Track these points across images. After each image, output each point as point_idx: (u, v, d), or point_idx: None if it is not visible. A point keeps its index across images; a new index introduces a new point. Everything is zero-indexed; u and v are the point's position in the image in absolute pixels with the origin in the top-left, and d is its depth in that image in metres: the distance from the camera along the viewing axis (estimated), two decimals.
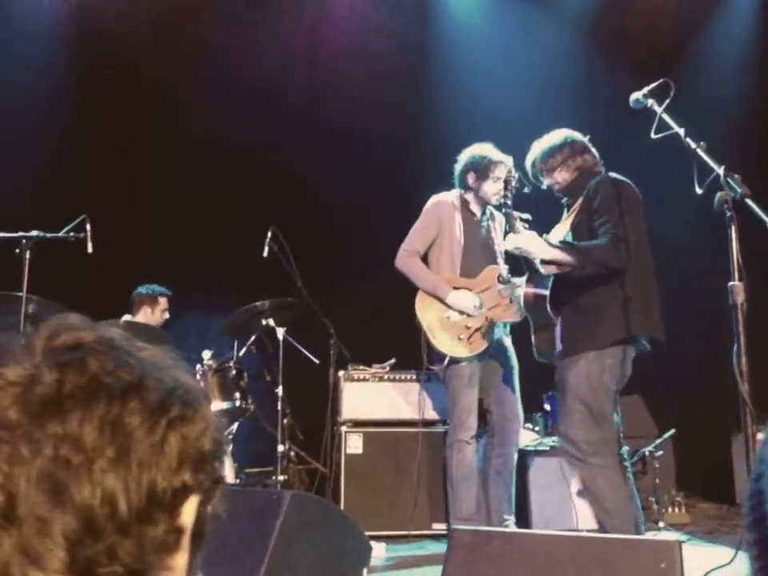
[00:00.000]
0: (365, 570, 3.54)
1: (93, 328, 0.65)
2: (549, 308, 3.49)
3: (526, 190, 3.70)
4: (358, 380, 4.97)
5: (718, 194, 2.33)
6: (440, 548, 4.34)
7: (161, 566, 0.64)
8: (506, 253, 3.86)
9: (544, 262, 3.43)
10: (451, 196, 4.41)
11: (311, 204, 6.01)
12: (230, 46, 6.13)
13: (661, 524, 4.79)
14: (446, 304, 4.21)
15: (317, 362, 5.02)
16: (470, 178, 4.30)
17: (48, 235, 4.06)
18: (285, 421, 4.84)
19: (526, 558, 1.90)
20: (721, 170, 2.36)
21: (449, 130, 5.65)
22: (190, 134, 5.89)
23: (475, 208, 4.40)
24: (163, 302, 5.33)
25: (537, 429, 5.14)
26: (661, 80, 2.80)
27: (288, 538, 3.06)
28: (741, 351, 2.23)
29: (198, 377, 4.77)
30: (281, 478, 4.64)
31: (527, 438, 4.90)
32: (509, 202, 3.57)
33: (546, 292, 3.51)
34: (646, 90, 2.84)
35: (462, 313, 4.19)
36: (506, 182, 3.65)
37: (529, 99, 5.87)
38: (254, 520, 2.86)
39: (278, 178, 5.99)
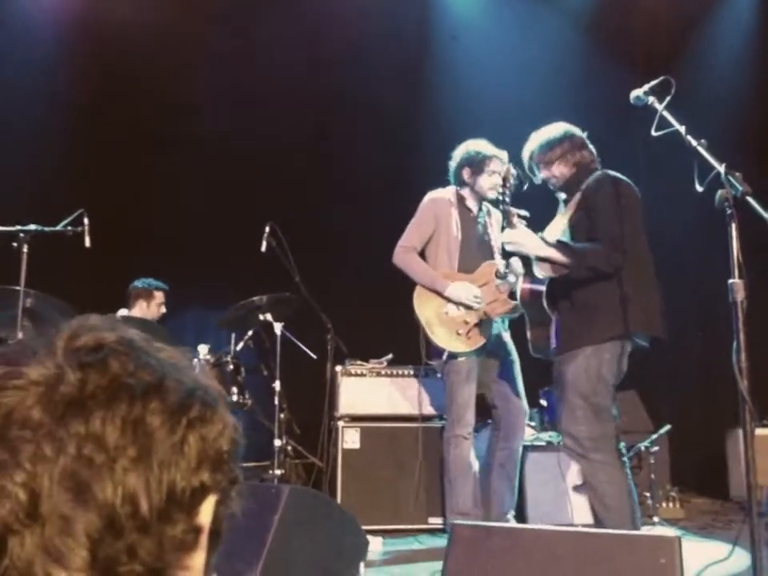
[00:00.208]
0: (362, 564, 3.56)
1: (113, 329, 0.66)
2: (545, 304, 3.50)
3: (524, 187, 3.70)
4: (356, 375, 4.98)
5: (719, 192, 2.33)
6: (436, 542, 4.37)
7: (179, 564, 0.64)
8: (503, 248, 3.87)
9: (539, 258, 3.44)
10: (447, 192, 4.42)
11: (310, 199, 6.01)
12: (229, 45, 6.12)
13: (655, 519, 4.81)
14: (445, 298, 4.22)
15: (314, 356, 5.02)
16: (465, 174, 4.32)
17: (46, 229, 4.06)
18: (282, 415, 4.84)
19: (526, 554, 1.91)
20: (722, 168, 2.37)
21: (447, 127, 5.65)
22: (189, 130, 5.88)
23: (471, 204, 4.41)
24: (159, 296, 5.33)
25: (533, 424, 5.15)
26: (662, 77, 2.80)
27: (286, 533, 3.07)
28: (740, 348, 2.24)
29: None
30: (278, 472, 4.65)
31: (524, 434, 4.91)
32: (507, 199, 3.58)
33: (543, 288, 3.53)
34: (646, 87, 2.83)
35: (460, 307, 4.20)
36: (504, 179, 3.65)
37: (528, 96, 5.88)
38: (252, 514, 2.86)
39: (277, 173, 5.99)
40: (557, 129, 3.63)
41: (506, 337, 4.37)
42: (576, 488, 4.64)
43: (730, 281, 2.32)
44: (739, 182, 2.30)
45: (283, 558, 3.02)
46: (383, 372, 5.00)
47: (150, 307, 5.28)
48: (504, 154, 4.03)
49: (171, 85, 5.99)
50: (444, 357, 4.20)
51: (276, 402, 4.76)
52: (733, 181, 2.32)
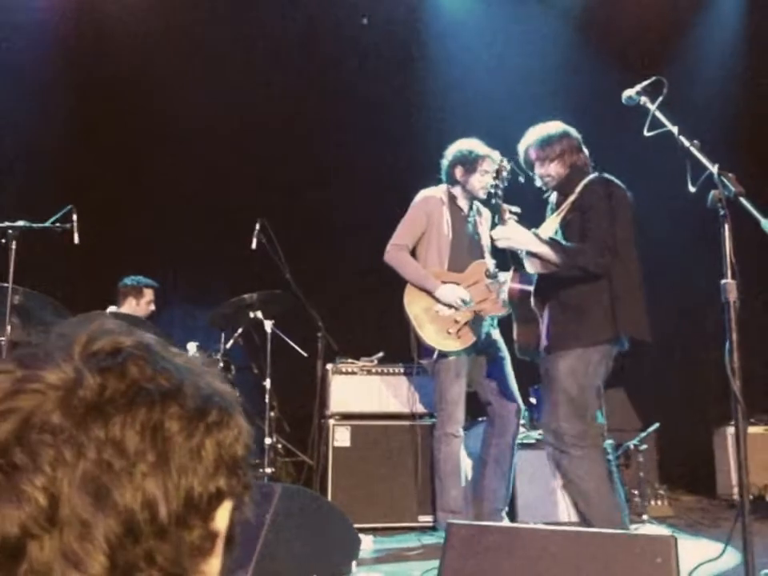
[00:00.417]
0: (354, 563, 3.57)
1: (130, 333, 0.65)
2: (533, 302, 3.51)
3: (520, 178, 3.68)
4: (346, 373, 4.98)
5: (712, 193, 2.34)
6: (427, 540, 4.38)
7: (195, 570, 0.64)
8: (493, 247, 3.87)
9: (530, 254, 3.44)
10: (439, 191, 4.42)
11: (301, 197, 5.99)
12: (220, 39, 6.08)
13: (644, 517, 4.84)
14: (434, 297, 4.23)
15: (305, 354, 5.01)
16: (458, 172, 4.33)
17: (35, 225, 4.03)
18: (272, 413, 4.84)
19: (522, 553, 1.91)
20: (714, 169, 2.38)
21: (438, 125, 5.66)
22: (179, 127, 5.85)
23: (462, 203, 4.42)
24: (149, 293, 5.31)
25: (523, 422, 5.16)
26: (654, 77, 2.81)
27: (278, 531, 3.07)
28: (733, 349, 2.26)
29: None
30: (268, 470, 4.64)
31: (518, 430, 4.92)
32: (500, 193, 3.57)
33: (531, 288, 3.54)
34: (639, 87, 2.85)
35: (450, 306, 4.21)
36: (498, 172, 3.63)
37: (518, 93, 5.88)
38: None
39: (268, 170, 5.97)
40: (556, 127, 3.62)
41: (496, 334, 4.38)
42: (565, 485, 4.66)
43: (723, 281, 2.33)
44: (733, 183, 2.31)
45: (275, 556, 3.02)
46: (374, 370, 5.00)
47: (140, 304, 5.25)
48: (497, 154, 4.03)
49: (161, 80, 5.94)
50: (434, 356, 4.21)
51: (266, 399, 4.75)
52: (726, 182, 2.33)
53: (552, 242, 3.40)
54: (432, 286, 4.23)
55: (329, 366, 4.96)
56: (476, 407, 4.47)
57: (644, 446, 5.10)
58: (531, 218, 3.62)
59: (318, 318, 4.85)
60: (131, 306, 5.21)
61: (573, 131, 3.62)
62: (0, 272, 3.93)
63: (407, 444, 4.80)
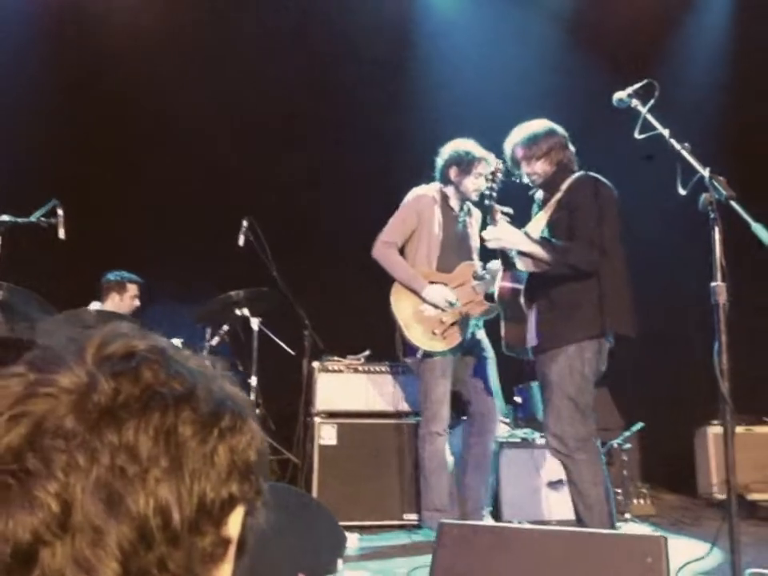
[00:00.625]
0: (340, 560, 3.56)
1: (143, 337, 0.65)
2: (522, 300, 3.52)
3: (514, 178, 3.69)
4: (332, 371, 4.97)
5: (703, 196, 2.36)
6: (412, 538, 4.39)
7: None
8: (482, 249, 3.88)
9: (521, 253, 3.46)
10: (431, 190, 4.41)
11: (289, 194, 5.97)
12: (210, 35, 6.04)
13: (627, 515, 4.88)
14: (421, 297, 4.22)
15: (292, 352, 5.00)
16: (453, 173, 4.31)
17: (19, 220, 3.97)
18: (258, 411, 4.81)
19: (514, 553, 1.92)
20: (706, 172, 2.39)
21: (430, 124, 5.65)
22: (167, 123, 5.80)
23: (454, 203, 4.41)
24: (132, 288, 5.26)
25: (508, 421, 5.18)
26: (645, 80, 2.82)
27: (264, 529, 3.06)
28: (722, 350, 2.27)
29: None
30: None
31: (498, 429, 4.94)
32: (494, 194, 3.57)
33: (521, 286, 3.55)
34: (630, 89, 2.85)
35: (436, 307, 4.21)
36: (493, 174, 3.63)
37: (510, 92, 5.88)
38: None
39: (255, 168, 5.94)
40: (541, 125, 3.63)
41: (481, 334, 4.39)
42: (551, 484, 4.69)
43: (713, 284, 2.35)
44: (723, 186, 2.33)
45: (260, 554, 3.00)
46: (360, 368, 4.99)
47: (124, 300, 5.21)
48: (492, 157, 4.03)
49: (147, 76, 5.90)
50: (419, 355, 4.21)
51: (252, 397, 4.72)
52: (717, 185, 2.35)
53: (543, 242, 3.43)
54: (419, 286, 4.22)
55: (315, 364, 4.95)
56: (461, 406, 4.48)
57: (627, 445, 5.13)
58: (521, 218, 3.63)
59: (305, 315, 4.83)
60: (114, 302, 5.17)
61: (559, 129, 3.62)
62: None
63: (393, 442, 4.81)
